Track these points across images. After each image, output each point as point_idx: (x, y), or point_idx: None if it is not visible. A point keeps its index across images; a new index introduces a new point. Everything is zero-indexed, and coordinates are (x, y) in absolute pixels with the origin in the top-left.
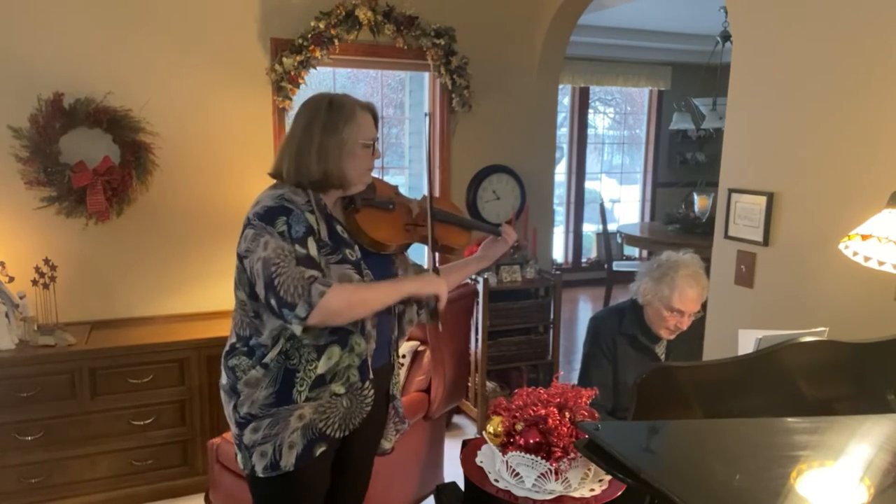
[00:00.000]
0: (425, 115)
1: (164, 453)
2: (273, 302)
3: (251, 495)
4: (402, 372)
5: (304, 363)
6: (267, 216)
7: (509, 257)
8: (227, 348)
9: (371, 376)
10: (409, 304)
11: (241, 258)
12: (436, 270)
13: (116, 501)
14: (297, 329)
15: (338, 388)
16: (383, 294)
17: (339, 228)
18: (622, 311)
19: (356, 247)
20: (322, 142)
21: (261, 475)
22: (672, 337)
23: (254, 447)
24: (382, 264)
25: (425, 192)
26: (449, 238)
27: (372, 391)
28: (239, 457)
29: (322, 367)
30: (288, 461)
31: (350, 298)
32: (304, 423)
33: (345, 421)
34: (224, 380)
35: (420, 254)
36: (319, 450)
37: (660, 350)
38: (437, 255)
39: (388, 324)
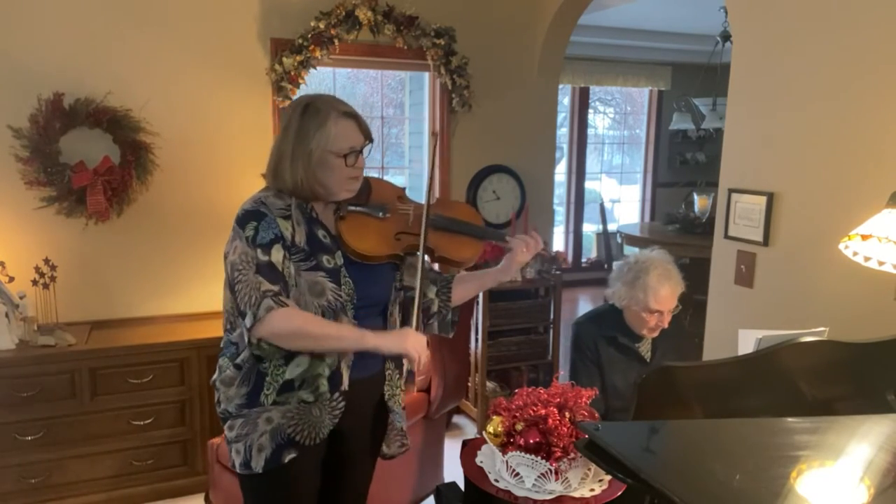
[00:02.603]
0: (433, 134)
1: (164, 453)
2: (234, 305)
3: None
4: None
5: (272, 367)
6: (242, 220)
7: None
8: (222, 345)
9: (344, 387)
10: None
11: (224, 257)
12: (423, 326)
13: (116, 501)
14: (245, 337)
15: (306, 395)
16: (338, 338)
17: (321, 233)
18: (601, 315)
19: (338, 253)
20: (294, 149)
21: (238, 471)
22: (655, 335)
23: (231, 444)
24: (371, 274)
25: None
26: (451, 249)
27: (342, 403)
28: (228, 450)
29: (290, 372)
30: (257, 463)
31: (297, 327)
32: (272, 427)
33: (313, 429)
34: (213, 376)
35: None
36: (288, 456)
37: (643, 349)
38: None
39: (374, 329)
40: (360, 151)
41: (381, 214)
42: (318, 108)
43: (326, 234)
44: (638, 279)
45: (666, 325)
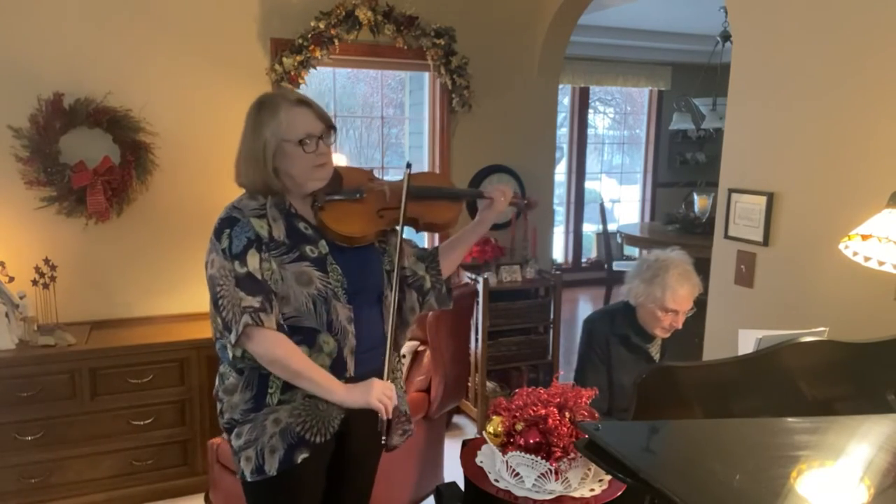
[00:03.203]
0: (407, 165)
1: (164, 453)
2: (219, 320)
3: (245, 499)
4: (403, 370)
5: None
6: (217, 230)
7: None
8: (219, 353)
9: (349, 374)
10: (409, 291)
11: (205, 269)
12: (420, 306)
13: (116, 501)
14: (229, 351)
15: None
16: (310, 381)
17: (301, 225)
18: (614, 313)
19: (322, 242)
20: (251, 146)
21: (249, 479)
22: (667, 335)
23: (240, 452)
24: (358, 258)
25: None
26: (432, 215)
27: None
28: (234, 461)
29: None
30: (271, 466)
31: (276, 356)
32: (280, 428)
33: (323, 424)
34: (215, 387)
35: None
36: (301, 456)
37: (654, 350)
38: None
39: (372, 318)
40: (321, 138)
41: (357, 196)
42: (269, 102)
43: (308, 225)
44: (657, 277)
45: (679, 327)
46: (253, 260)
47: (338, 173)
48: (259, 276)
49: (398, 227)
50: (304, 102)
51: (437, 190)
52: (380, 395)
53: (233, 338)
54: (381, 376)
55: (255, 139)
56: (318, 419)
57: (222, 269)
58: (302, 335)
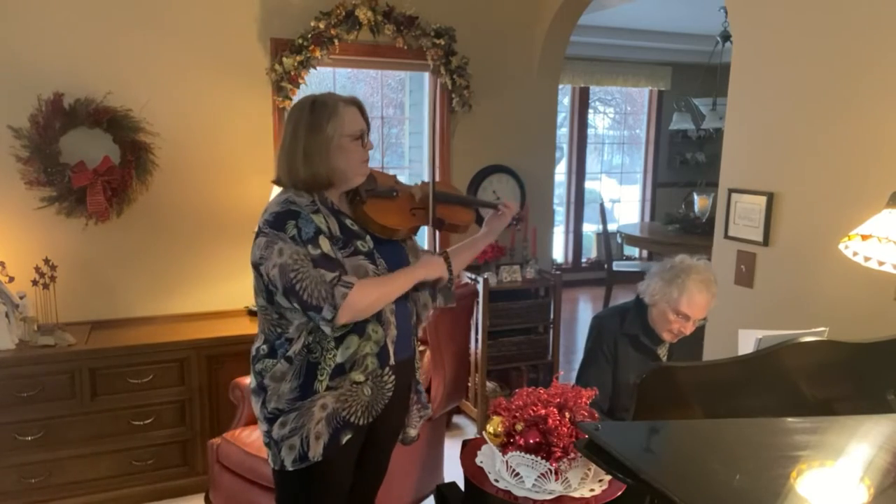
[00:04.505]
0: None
1: (164, 453)
2: (297, 305)
3: (277, 491)
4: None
5: (324, 354)
6: (276, 222)
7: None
8: (253, 353)
9: (391, 362)
10: (423, 289)
11: (255, 266)
12: (443, 254)
13: (116, 501)
14: (327, 329)
15: (357, 376)
16: (399, 284)
17: (348, 222)
18: (625, 311)
19: (367, 237)
20: (308, 143)
21: (290, 468)
22: (674, 340)
23: (282, 441)
24: (395, 252)
25: (425, 178)
26: (454, 217)
27: (393, 377)
28: (269, 454)
29: (340, 356)
30: (316, 452)
31: (372, 293)
32: (327, 413)
33: (367, 409)
34: (253, 383)
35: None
36: (345, 437)
37: (662, 351)
38: (438, 235)
39: (406, 310)
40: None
41: (394, 194)
42: (325, 102)
43: (352, 221)
44: (678, 278)
45: (687, 333)
46: (325, 244)
47: (371, 173)
48: (333, 255)
49: (433, 227)
50: (354, 102)
51: (457, 196)
52: (445, 265)
53: (328, 313)
54: (413, 363)
55: (316, 135)
56: (362, 404)
57: (295, 254)
58: (353, 324)
